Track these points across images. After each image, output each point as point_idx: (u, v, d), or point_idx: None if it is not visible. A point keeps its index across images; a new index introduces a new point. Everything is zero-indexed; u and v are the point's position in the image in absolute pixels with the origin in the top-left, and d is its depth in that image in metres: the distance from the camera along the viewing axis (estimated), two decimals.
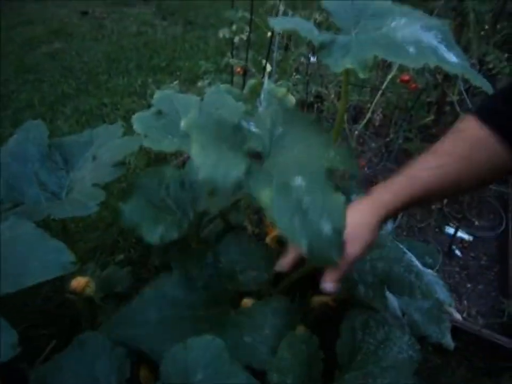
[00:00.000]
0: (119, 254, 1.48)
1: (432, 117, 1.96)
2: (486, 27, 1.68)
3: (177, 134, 1.06)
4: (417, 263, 0.91)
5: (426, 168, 0.70)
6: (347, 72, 0.83)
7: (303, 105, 2.02)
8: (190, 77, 3.03)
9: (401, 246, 0.94)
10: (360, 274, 0.87)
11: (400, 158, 2.00)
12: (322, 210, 0.60)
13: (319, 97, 2.00)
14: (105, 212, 1.71)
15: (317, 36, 0.73)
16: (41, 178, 0.95)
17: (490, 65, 1.41)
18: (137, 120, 1.12)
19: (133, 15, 4.37)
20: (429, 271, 0.92)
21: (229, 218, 1.18)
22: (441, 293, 0.89)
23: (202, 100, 1.21)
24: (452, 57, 0.70)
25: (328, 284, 0.67)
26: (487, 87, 0.66)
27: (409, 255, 0.92)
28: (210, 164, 0.61)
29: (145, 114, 1.15)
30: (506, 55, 1.57)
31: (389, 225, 1.01)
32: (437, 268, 1.16)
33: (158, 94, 1.22)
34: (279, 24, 0.79)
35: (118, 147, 0.93)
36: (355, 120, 2.13)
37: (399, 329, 0.84)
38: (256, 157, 0.88)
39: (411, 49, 0.70)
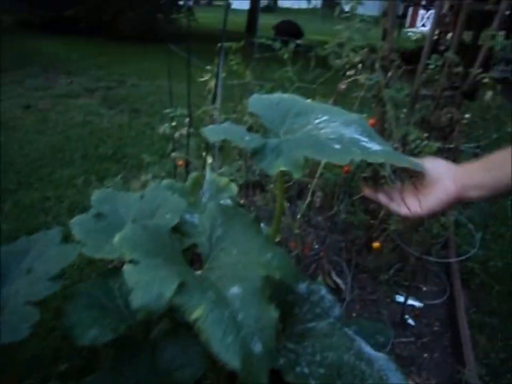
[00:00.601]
0: (62, 363, 1.37)
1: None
2: (405, 110, 1.88)
3: None
4: (367, 348, 0.91)
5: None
6: (281, 172, 0.88)
7: (248, 187, 2.08)
8: (137, 163, 3.06)
9: (350, 332, 0.94)
10: (310, 366, 0.86)
11: (346, 230, 2.08)
12: (255, 327, 0.61)
13: (266, 175, 2.07)
14: (45, 314, 1.60)
15: (249, 143, 0.78)
16: None
17: (413, 145, 1.54)
18: (76, 224, 1.10)
19: (78, 106, 4.46)
20: (380, 355, 0.92)
21: (177, 316, 1.14)
22: (394, 377, 0.88)
23: (143, 196, 1.23)
24: (374, 146, 0.77)
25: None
26: (414, 165, 0.70)
27: (359, 341, 0.92)
28: (143, 285, 0.61)
29: (85, 218, 1.14)
30: (426, 134, 1.74)
31: (337, 311, 1.02)
32: (389, 346, 1.17)
33: (97, 195, 1.22)
34: (213, 135, 0.83)
35: (55, 258, 0.90)
36: (299, 196, 2.22)
37: None
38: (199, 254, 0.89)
39: (336, 146, 0.76)
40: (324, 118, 0.88)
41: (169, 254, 0.76)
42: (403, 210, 0.72)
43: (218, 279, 0.69)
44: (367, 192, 0.75)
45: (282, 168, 0.71)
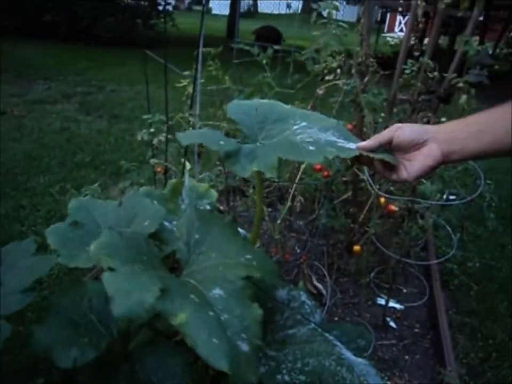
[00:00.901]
0: (39, 379, 1.33)
1: (349, 193, 2.09)
2: (383, 114, 1.90)
3: None
4: (348, 354, 0.91)
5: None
6: (258, 173, 0.88)
7: (228, 192, 2.08)
8: (116, 170, 3.01)
9: (331, 338, 0.94)
10: (291, 374, 0.85)
11: (327, 234, 2.08)
12: (240, 326, 0.60)
13: (246, 180, 2.07)
14: (21, 326, 1.56)
15: (222, 147, 0.78)
16: None
17: None
18: (51, 233, 1.07)
19: (55, 112, 4.37)
20: (361, 360, 0.92)
21: (157, 325, 1.12)
22: (374, 382, 0.88)
23: (121, 204, 1.20)
24: (350, 145, 0.78)
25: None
26: (388, 158, 0.72)
27: (340, 346, 0.92)
28: (123, 292, 0.60)
29: (61, 226, 1.11)
30: None
31: (318, 316, 1.02)
32: (370, 349, 1.17)
33: (73, 203, 1.19)
34: (186, 138, 0.83)
35: (28, 270, 0.87)
36: (280, 201, 2.22)
37: None
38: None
39: (311, 147, 0.76)
40: (302, 124, 0.89)
41: (148, 260, 0.74)
42: (392, 176, 0.74)
43: (199, 282, 0.68)
44: (364, 161, 0.76)
45: (256, 169, 0.72)
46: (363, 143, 0.76)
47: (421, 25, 1.72)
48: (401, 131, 0.73)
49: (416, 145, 0.71)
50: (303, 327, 0.97)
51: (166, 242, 1.06)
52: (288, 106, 0.99)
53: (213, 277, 0.73)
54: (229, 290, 0.68)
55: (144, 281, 0.64)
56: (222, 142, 0.80)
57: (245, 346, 0.57)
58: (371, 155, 0.73)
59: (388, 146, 0.75)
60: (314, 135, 0.82)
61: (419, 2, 1.63)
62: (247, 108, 0.96)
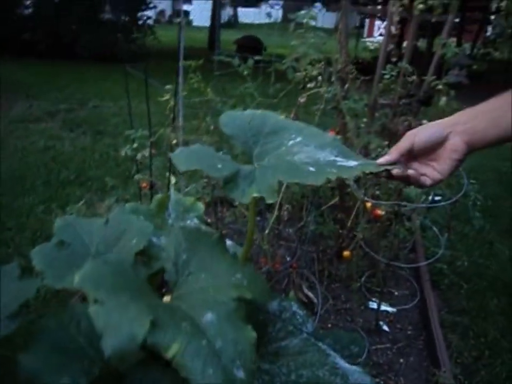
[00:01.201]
0: None
1: (336, 199, 2.10)
2: (365, 119, 1.92)
3: (82, 265, 1.01)
4: (341, 362, 0.91)
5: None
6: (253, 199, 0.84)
7: (216, 203, 2.07)
8: (102, 186, 2.99)
9: (324, 347, 0.94)
10: None
11: (316, 240, 2.09)
12: (234, 352, 0.59)
13: None
14: (8, 351, 1.52)
15: (221, 172, 0.74)
16: None
17: (373, 154, 1.57)
18: (37, 254, 1.04)
19: (39, 130, 4.33)
20: (354, 368, 0.92)
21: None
22: None
23: (107, 222, 1.19)
24: (350, 163, 0.76)
25: None
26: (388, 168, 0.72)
27: (333, 355, 0.92)
28: (113, 327, 0.58)
29: (46, 247, 1.09)
30: (386, 142, 1.78)
31: (310, 325, 1.01)
32: (364, 355, 1.17)
33: (59, 222, 1.17)
34: (183, 164, 0.77)
35: (13, 294, 0.85)
36: (268, 209, 2.22)
37: None
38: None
39: (311, 168, 0.74)
40: (298, 139, 0.85)
41: (136, 287, 0.73)
42: (427, 182, 0.72)
43: (190, 308, 0.66)
44: (396, 172, 0.73)
45: (256, 195, 0.69)
46: (383, 159, 0.74)
47: (397, 32, 1.74)
48: (420, 135, 0.72)
49: (438, 144, 0.71)
50: (295, 338, 0.97)
51: (154, 258, 1.05)
52: (281, 118, 0.97)
53: (204, 300, 0.71)
54: (221, 314, 0.67)
55: (134, 313, 0.62)
56: (219, 166, 0.76)
57: (240, 373, 0.56)
58: (390, 169, 0.72)
59: (411, 155, 0.74)
60: (312, 154, 0.80)
61: (395, 9, 1.66)
62: (240, 120, 0.93)
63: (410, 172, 0.72)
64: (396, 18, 1.75)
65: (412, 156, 0.73)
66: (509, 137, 0.68)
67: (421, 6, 1.62)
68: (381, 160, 0.74)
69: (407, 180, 0.75)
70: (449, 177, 0.72)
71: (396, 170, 0.72)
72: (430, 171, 0.72)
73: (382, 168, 0.72)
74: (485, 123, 0.68)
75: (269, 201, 0.67)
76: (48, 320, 0.98)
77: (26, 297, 0.84)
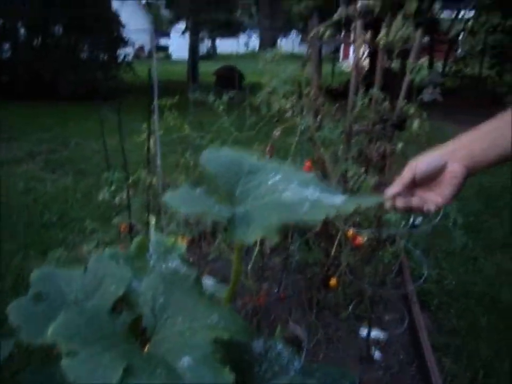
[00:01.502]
0: None
1: (319, 227, 2.10)
2: (342, 147, 1.95)
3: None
4: None
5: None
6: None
7: (200, 239, 2.06)
8: (83, 228, 2.94)
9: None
10: None
11: (302, 269, 2.08)
12: None
13: (215, 224, 2.05)
14: None
15: (221, 214, 0.72)
16: None
17: (351, 182, 1.59)
18: (13, 309, 1.02)
19: (20, 172, 4.29)
20: None
21: None
22: None
23: (86, 270, 1.18)
24: (337, 199, 0.76)
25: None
26: (375, 201, 0.76)
27: None
28: (86, 376, 0.57)
29: (23, 301, 1.07)
30: (363, 169, 1.81)
31: (296, 363, 1.00)
32: None
33: (36, 273, 1.15)
34: (183, 207, 0.76)
35: None
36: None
37: None
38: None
39: (305, 208, 0.74)
40: (277, 177, 0.86)
41: (112, 335, 0.72)
42: (431, 207, 0.75)
43: (167, 352, 0.66)
44: (400, 202, 0.77)
45: (260, 235, 0.69)
46: (389, 193, 0.77)
47: (365, 63, 1.80)
48: (420, 165, 0.75)
49: (439, 171, 0.73)
50: (282, 378, 0.95)
51: (133, 305, 1.04)
52: (255, 158, 0.97)
53: (181, 344, 0.71)
54: (198, 357, 0.66)
55: (108, 361, 0.61)
56: (217, 208, 0.75)
57: None
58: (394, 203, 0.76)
59: (413, 184, 0.77)
60: (298, 192, 0.79)
61: (359, 43, 1.72)
62: (222, 159, 0.93)
63: (414, 200, 0.76)
64: (362, 51, 1.81)
65: (414, 184, 0.76)
66: (509, 155, 0.70)
67: (382, 41, 1.68)
68: (389, 193, 0.77)
69: (410, 210, 0.78)
70: (452, 200, 0.75)
71: (400, 201, 0.76)
72: (432, 197, 0.75)
73: (381, 201, 0.76)
74: (484, 145, 0.71)
75: (274, 240, 0.68)
76: (33, 373, 0.96)
77: (4, 356, 0.81)
